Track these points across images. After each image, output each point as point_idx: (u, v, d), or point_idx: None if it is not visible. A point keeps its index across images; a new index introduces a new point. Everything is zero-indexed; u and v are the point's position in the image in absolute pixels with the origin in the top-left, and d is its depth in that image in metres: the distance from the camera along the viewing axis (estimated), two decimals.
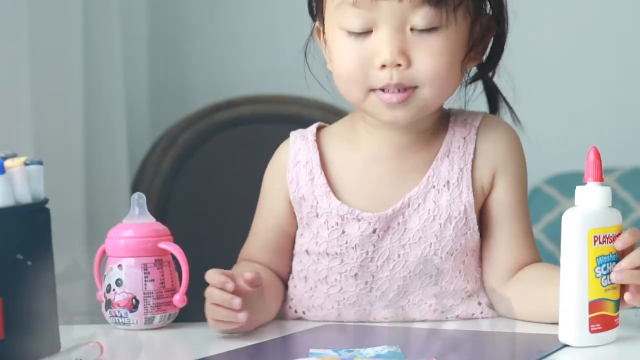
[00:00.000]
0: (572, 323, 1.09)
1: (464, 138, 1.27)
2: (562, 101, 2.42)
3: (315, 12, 1.29)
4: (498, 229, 1.28)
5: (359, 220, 1.25)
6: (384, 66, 1.19)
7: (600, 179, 1.10)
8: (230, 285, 1.15)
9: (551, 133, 2.39)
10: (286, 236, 1.32)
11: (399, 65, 1.19)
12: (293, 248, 1.32)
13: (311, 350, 1.07)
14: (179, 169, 2.31)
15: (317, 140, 1.30)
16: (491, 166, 1.27)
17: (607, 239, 1.09)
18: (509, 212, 1.28)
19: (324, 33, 1.27)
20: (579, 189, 1.10)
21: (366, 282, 1.27)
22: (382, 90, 1.20)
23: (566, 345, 1.11)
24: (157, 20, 2.46)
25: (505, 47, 1.29)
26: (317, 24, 1.29)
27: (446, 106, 1.30)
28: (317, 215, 1.27)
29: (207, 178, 2.31)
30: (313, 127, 1.31)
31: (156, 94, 2.45)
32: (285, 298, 1.32)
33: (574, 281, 1.08)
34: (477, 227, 1.27)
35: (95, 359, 1.08)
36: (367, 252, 1.26)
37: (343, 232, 1.26)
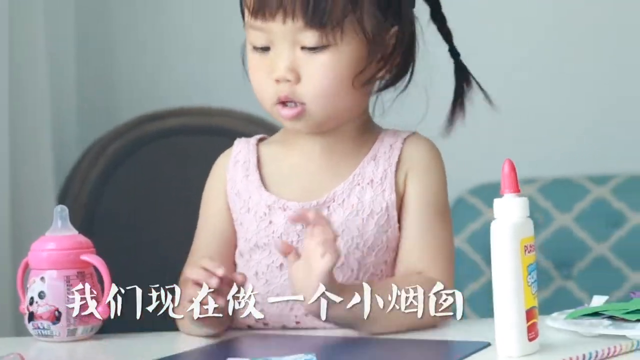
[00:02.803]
0: (513, 334, 1.10)
1: (391, 145, 1.34)
2: (485, 113, 2.45)
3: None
4: (403, 230, 1.32)
5: (284, 210, 1.31)
6: (277, 80, 1.28)
7: (517, 190, 1.12)
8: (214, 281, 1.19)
9: (473, 144, 2.43)
10: (228, 243, 1.35)
11: (289, 80, 1.27)
12: (234, 257, 1.35)
13: None
14: (107, 179, 2.31)
15: (257, 145, 1.38)
16: (405, 169, 1.33)
17: (533, 247, 1.12)
18: (411, 216, 1.32)
19: None
20: (498, 201, 1.12)
21: None
22: (283, 104, 1.29)
23: (478, 350, 1.14)
24: (85, 29, 2.45)
25: (414, 60, 1.33)
26: None
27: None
28: (248, 210, 1.33)
29: (135, 189, 2.31)
30: (257, 136, 1.40)
31: (84, 105, 2.45)
32: None
33: (512, 291, 1.10)
34: (397, 225, 1.32)
35: None
36: (292, 242, 1.29)
37: (270, 222, 1.31)
